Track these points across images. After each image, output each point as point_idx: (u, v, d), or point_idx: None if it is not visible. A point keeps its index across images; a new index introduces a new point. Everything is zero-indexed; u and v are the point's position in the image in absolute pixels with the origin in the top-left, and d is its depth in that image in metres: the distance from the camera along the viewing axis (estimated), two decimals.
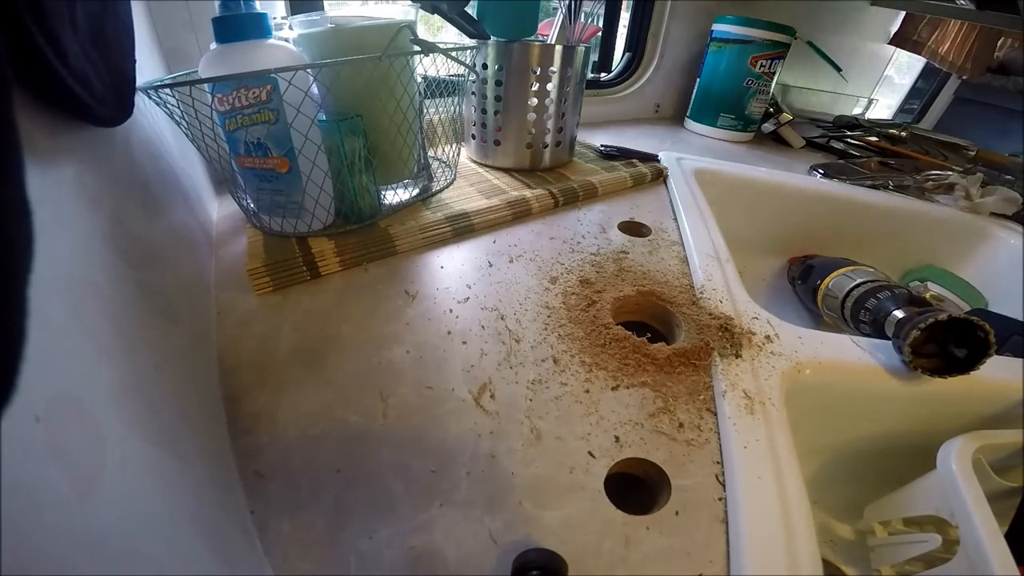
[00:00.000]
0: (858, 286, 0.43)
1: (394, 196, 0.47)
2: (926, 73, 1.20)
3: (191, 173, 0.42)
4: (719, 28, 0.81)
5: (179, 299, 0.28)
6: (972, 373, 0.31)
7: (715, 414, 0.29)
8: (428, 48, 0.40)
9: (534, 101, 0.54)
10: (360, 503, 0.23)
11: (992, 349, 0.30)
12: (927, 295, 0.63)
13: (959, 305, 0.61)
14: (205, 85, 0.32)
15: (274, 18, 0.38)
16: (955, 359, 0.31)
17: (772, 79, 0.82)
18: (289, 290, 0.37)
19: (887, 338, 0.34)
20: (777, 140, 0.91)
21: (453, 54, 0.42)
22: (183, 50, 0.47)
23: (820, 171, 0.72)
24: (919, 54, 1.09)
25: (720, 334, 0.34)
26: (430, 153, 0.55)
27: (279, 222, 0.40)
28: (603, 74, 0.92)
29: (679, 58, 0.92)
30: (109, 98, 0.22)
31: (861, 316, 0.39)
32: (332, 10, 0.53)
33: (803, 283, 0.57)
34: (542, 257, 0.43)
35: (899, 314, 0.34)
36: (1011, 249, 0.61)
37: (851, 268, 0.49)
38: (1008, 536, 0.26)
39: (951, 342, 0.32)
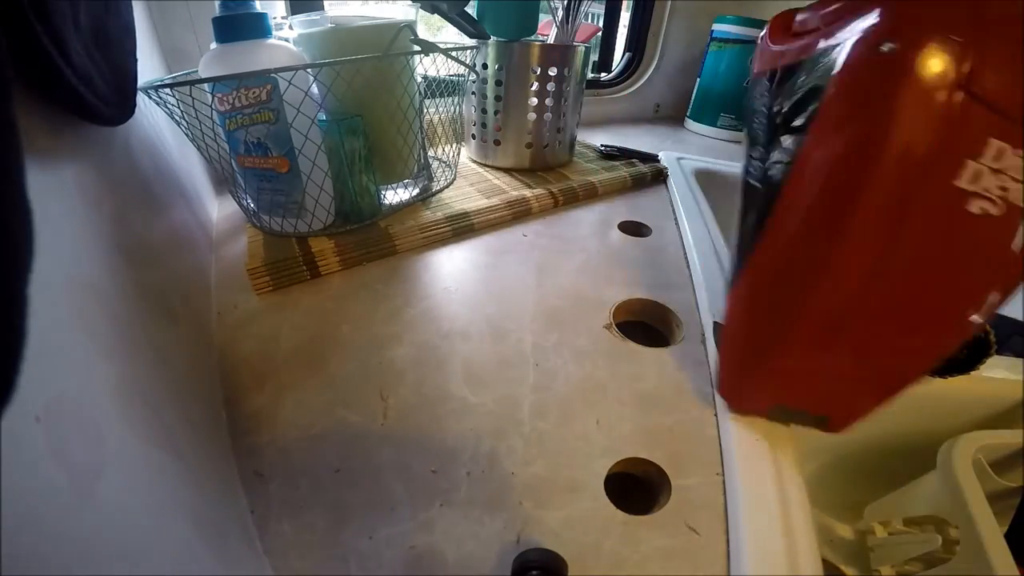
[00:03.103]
0: None
1: (394, 196, 0.47)
2: None
3: (191, 173, 0.42)
4: (719, 28, 0.81)
5: (179, 299, 0.28)
6: (972, 373, 0.31)
7: (715, 414, 0.29)
8: (428, 48, 0.40)
9: (534, 101, 0.54)
10: (360, 503, 0.23)
11: (992, 349, 0.30)
12: None
13: None
14: (205, 85, 0.32)
15: (274, 18, 0.38)
16: (955, 359, 0.31)
17: None
18: (289, 290, 0.37)
19: None
20: None
21: (453, 54, 0.42)
22: (183, 50, 0.47)
23: None
24: None
25: (720, 334, 0.34)
26: (430, 153, 0.55)
27: (279, 222, 0.40)
28: (603, 74, 0.92)
29: (679, 58, 0.92)
30: (112, 97, 0.22)
31: None
32: (332, 10, 0.53)
33: None
34: (542, 257, 0.43)
35: None
36: None
37: None
38: (1008, 536, 0.26)
39: None
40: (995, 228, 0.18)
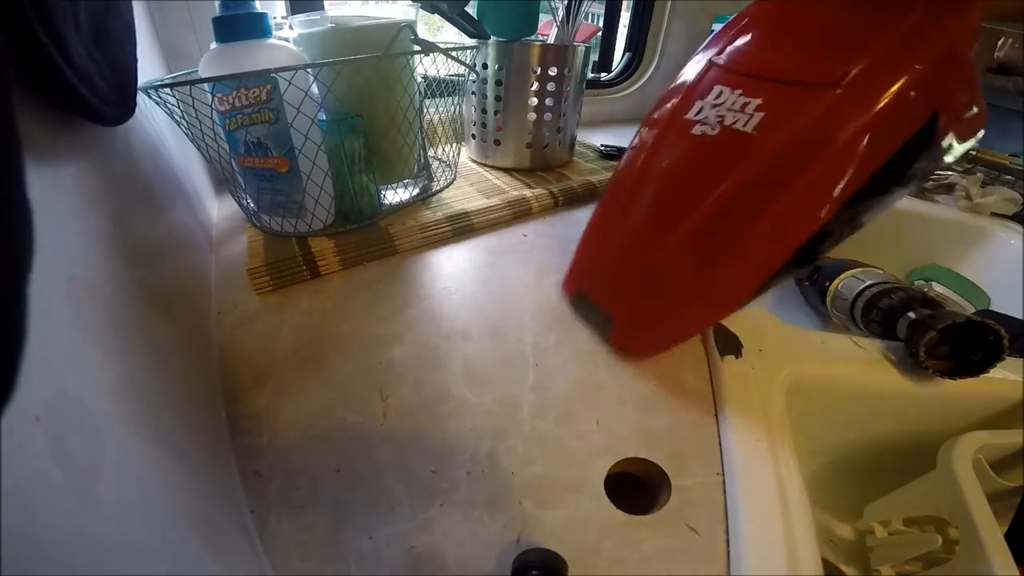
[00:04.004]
0: (869, 287, 0.43)
1: (394, 196, 0.47)
2: None
3: (191, 173, 0.42)
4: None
5: (179, 299, 0.28)
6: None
7: (715, 414, 0.29)
8: (428, 48, 0.40)
9: (534, 101, 0.54)
10: (360, 503, 0.23)
11: (1004, 354, 0.30)
12: (930, 294, 0.63)
13: (962, 305, 0.61)
14: (205, 85, 0.32)
15: (274, 18, 0.38)
16: (967, 361, 0.31)
17: None
18: (289, 290, 0.37)
19: (896, 338, 0.34)
20: None
21: (453, 54, 0.42)
22: (183, 50, 0.47)
23: None
24: None
25: (721, 334, 0.34)
26: (430, 153, 0.55)
27: (279, 222, 0.40)
28: (603, 74, 0.92)
29: (679, 58, 0.92)
30: (112, 97, 0.22)
31: (873, 316, 0.39)
32: (332, 10, 0.53)
33: (811, 284, 0.57)
34: (542, 257, 0.43)
35: (912, 315, 0.34)
36: (1011, 249, 0.60)
37: (861, 270, 0.49)
38: (1008, 536, 0.26)
39: (964, 344, 0.31)
40: (711, 143, 0.28)
